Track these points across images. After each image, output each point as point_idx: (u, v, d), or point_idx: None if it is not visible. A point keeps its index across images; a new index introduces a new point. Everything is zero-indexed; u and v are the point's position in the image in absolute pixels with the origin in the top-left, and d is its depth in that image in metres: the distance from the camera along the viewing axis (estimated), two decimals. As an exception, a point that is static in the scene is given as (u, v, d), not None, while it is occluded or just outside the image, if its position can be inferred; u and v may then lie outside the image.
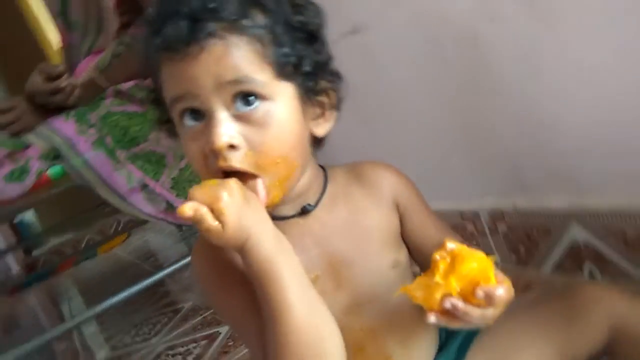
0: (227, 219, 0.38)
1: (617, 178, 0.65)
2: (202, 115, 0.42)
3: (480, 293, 0.38)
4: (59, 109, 1.06)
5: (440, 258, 0.40)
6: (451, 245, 0.40)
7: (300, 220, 0.48)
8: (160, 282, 1.84)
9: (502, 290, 0.39)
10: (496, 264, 0.41)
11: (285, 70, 0.42)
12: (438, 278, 0.39)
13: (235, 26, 0.40)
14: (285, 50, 0.42)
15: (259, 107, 0.41)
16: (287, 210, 0.48)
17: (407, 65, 0.87)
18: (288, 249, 0.42)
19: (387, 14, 0.86)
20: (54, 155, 0.98)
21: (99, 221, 3.68)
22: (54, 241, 3.95)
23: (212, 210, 0.38)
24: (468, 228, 0.91)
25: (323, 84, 0.46)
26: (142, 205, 1.03)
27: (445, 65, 0.80)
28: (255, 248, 0.40)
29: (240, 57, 0.40)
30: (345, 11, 0.95)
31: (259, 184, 0.42)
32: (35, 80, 1.03)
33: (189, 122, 0.42)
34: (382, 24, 0.87)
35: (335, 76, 0.47)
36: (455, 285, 0.39)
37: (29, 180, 0.94)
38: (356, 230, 0.49)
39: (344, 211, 0.50)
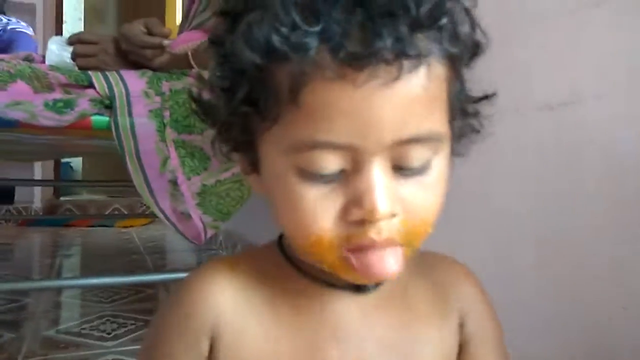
0: None
1: None
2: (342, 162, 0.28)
3: None
4: (139, 65, 0.99)
5: None
6: None
7: (345, 296, 0.34)
8: (151, 284, 1.71)
9: None
10: None
11: (453, 113, 0.31)
12: None
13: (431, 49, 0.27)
14: (460, 86, 0.31)
15: (433, 168, 0.29)
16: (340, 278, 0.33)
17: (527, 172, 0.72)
18: None
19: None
20: (107, 105, 0.88)
21: (134, 198, 3.67)
22: (84, 196, 3.98)
23: None
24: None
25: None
26: (161, 196, 0.89)
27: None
28: None
29: (429, 100, 0.27)
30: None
31: (400, 253, 0.29)
32: (136, 28, 0.98)
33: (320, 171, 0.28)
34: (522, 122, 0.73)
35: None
36: None
37: (68, 117, 0.84)
38: (401, 346, 0.35)
39: (395, 314, 0.35)
